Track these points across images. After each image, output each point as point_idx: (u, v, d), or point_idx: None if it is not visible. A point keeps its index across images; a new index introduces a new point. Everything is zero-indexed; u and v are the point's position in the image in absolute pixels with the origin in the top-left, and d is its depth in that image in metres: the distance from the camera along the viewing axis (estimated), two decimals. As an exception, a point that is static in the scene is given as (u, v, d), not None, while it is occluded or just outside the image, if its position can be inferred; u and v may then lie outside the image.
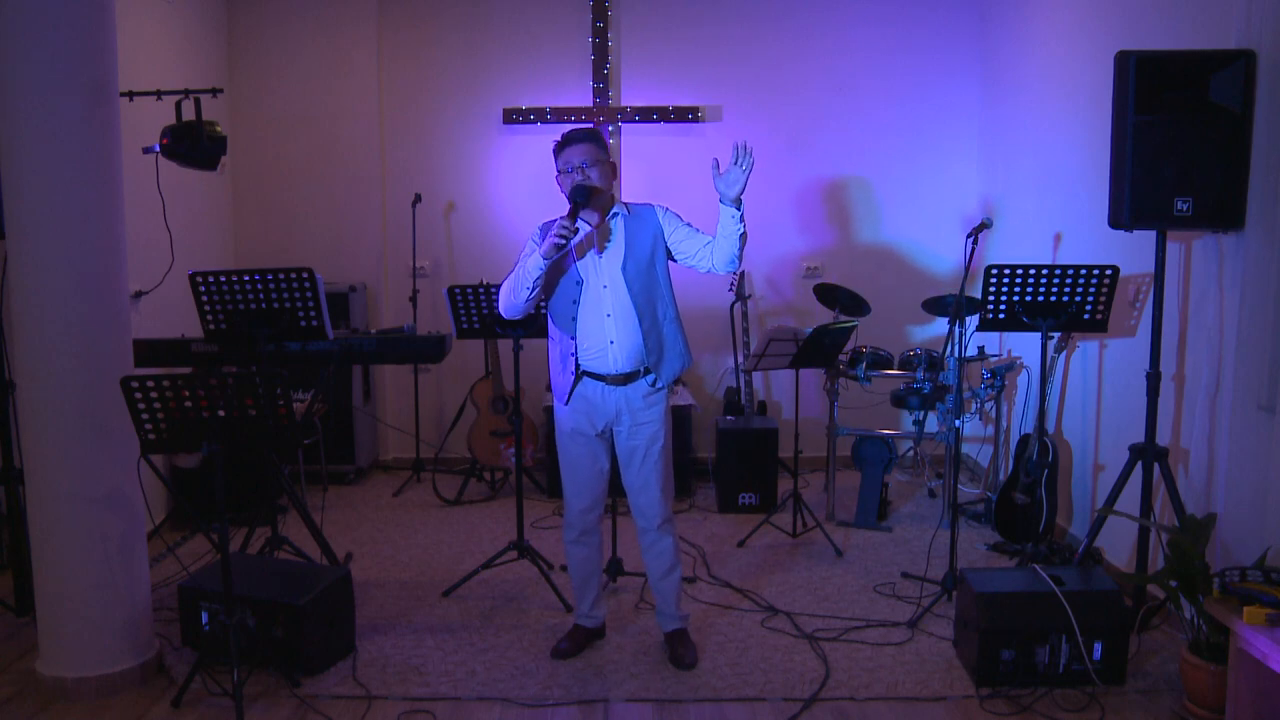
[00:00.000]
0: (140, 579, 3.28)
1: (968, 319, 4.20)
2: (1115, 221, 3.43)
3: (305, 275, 3.66)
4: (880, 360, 4.95)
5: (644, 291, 3.19)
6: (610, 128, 5.80)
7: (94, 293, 3.09)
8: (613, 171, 3.26)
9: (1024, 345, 5.02)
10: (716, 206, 3.09)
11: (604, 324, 3.19)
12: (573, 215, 3.07)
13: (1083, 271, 3.77)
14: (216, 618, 3.07)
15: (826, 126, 5.90)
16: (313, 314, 3.73)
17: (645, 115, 5.80)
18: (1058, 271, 3.77)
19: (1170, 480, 3.48)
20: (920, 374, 4.78)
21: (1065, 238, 4.68)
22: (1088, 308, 3.82)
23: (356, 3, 5.78)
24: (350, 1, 5.78)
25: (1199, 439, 3.51)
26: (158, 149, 3.90)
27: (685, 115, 5.81)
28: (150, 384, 2.79)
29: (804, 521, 4.73)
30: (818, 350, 4.42)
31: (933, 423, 4.89)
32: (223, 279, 3.64)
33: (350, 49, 5.82)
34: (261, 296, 3.67)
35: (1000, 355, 5.17)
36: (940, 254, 5.93)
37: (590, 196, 3.12)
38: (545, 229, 3.21)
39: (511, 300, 3.24)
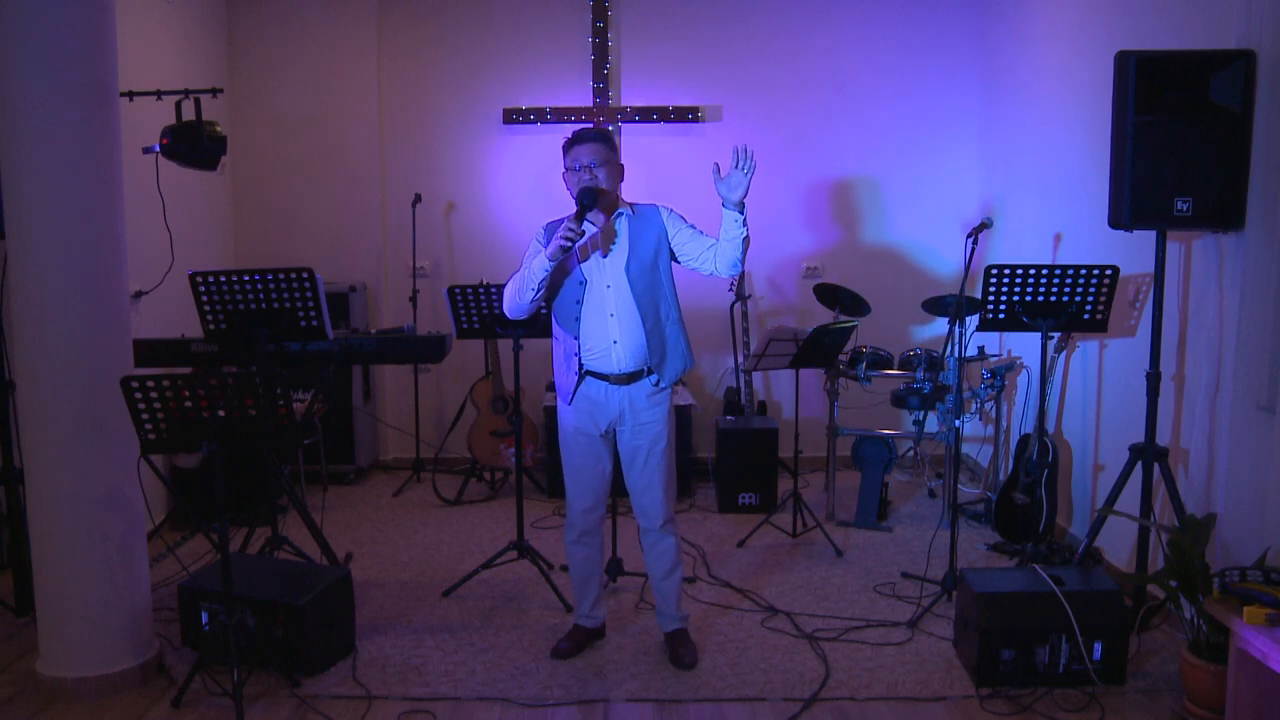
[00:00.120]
0: (140, 579, 3.28)
1: (968, 319, 4.20)
2: (1115, 221, 3.43)
3: (305, 275, 3.66)
4: (880, 360, 4.95)
5: (647, 292, 3.19)
6: (610, 128, 5.80)
7: (94, 293, 3.09)
8: (620, 173, 3.26)
9: (1024, 345, 5.02)
10: (717, 207, 3.09)
11: (607, 324, 3.19)
12: (579, 217, 3.06)
13: (1083, 271, 3.77)
14: (216, 618, 3.07)
15: (827, 126, 5.90)
16: (313, 314, 3.73)
17: (645, 115, 5.80)
18: (1058, 271, 3.77)
19: (1170, 480, 3.48)
20: (920, 374, 4.78)
21: (1065, 238, 4.68)
22: (1088, 308, 3.82)
23: (356, 3, 5.78)
24: (350, 1, 5.78)
25: (1199, 439, 3.51)
26: (158, 149, 3.90)
27: (685, 115, 5.81)
28: (150, 384, 2.79)
29: (804, 521, 4.73)
30: (818, 350, 4.42)
31: (933, 423, 4.89)
32: (223, 279, 3.64)
33: (350, 49, 5.82)
34: (261, 296, 3.67)
35: (1000, 355, 5.17)
36: (940, 254, 5.93)
37: (597, 199, 3.12)
38: (550, 229, 3.21)
39: (516, 301, 3.24)
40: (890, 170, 5.93)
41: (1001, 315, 3.86)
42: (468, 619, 3.77)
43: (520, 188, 5.89)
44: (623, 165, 3.26)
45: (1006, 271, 3.78)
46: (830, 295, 5.12)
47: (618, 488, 3.45)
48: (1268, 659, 2.66)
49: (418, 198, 5.75)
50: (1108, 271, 3.76)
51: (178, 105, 3.90)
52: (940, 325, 5.79)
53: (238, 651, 2.97)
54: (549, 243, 3.11)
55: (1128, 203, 3.34)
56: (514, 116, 5.82)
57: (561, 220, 3.09)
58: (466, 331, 4.16)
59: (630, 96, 5.86)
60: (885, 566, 4.31)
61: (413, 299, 5.77)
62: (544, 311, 3.48)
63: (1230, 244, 3.35)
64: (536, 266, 3.13)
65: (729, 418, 5.31)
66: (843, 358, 4.90)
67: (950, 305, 4.61)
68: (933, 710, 3.09)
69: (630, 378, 3.22)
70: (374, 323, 5.91)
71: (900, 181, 5.94)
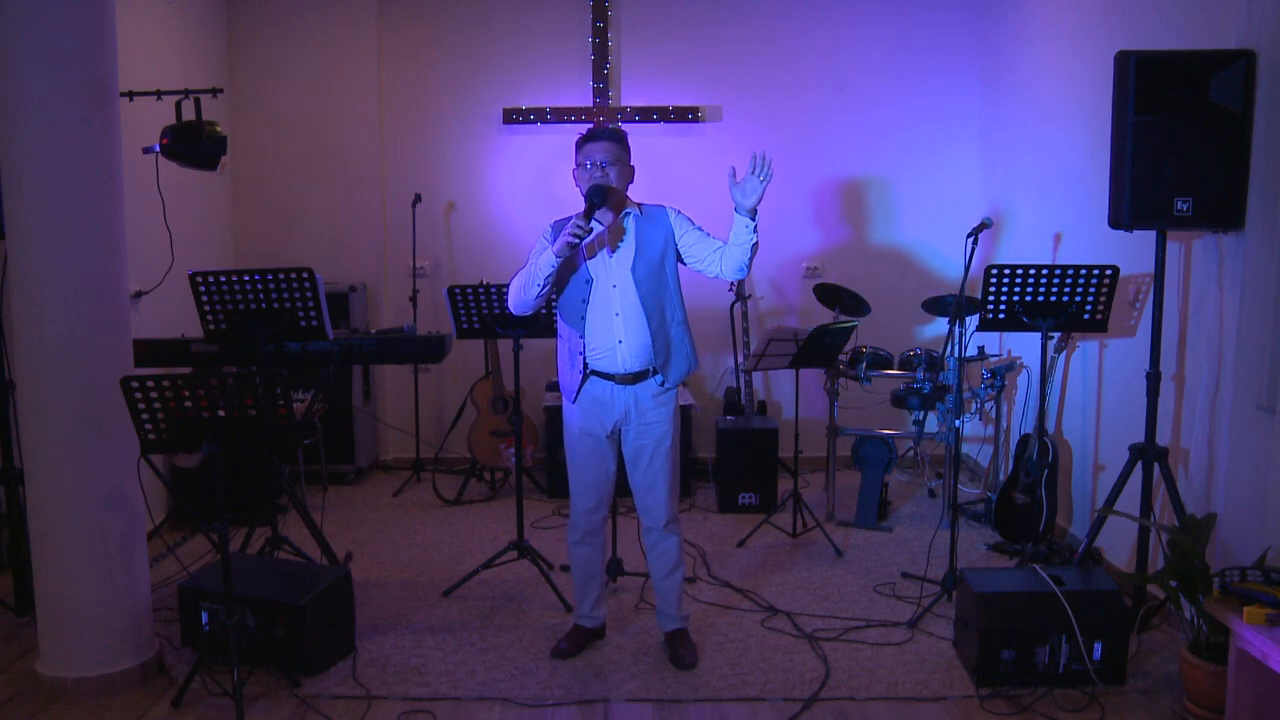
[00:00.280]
0: (140, 579, 3.28)
1: (968, 319, 4.20)
2: (1115, 221, 3.43)
3: (305, 275, 3.66)
4: (880, 360, 4.95)
5: (653, 292, 3.20)
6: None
7: (94, 293, 3.09)
8: (630, 174, 3.26)
9: (1024, 345, 5.02)
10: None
11: (612, 323, 3.19)
12: (588, 215, 3.07)
13: (1083, 271, 3.77)
14: (216, 618, 3.07)
15: (827, 126, 5.90)
16: (313, 314, 3.73)
17: (645, 115, 5.80)
18: (1058, 271, 3.77)
19: (1170, 480, 3.48)
20: (920, 374, 4.78)
21: (1065, 238, 4.68)
22: (1088, 308, 3.82)
23: (356, 3, 5.78)
24: (350, 1, 5.78)
25: (1199, 439, 3.51)
26: (158, 149, 3.90)
27: (685, 115, 5.81)
28: (150, 384, 2.79)
29: (804, 521, 4.73)
30: (818, 350, 4.42)
31: (933, 423, 4.89)
32: (223, 279, 3.64)
33: (350, 49, 5.82)
34: (261, 296, 3.67)
35: (1000, 355, 5.17)
36: (940, 253, 5.93)
37: (607, 197, 3.12)
38: (557, 226, 3.22)
39: (522, 297, 3.25)
40: (891, 170, 5.92)
41: (1001, 315, 3.86)
42: (468, 619, 3.77)
43: (520, 188, 5.89)
44: (633, 167, 3.27)
45: (1006, 271, 3.78)
46: (830, 295, 5.13)
47: (619, 487, 3.45)
48: (1268, 659, 2.66)
49: (418, 198, 5.75)
50: (1108, 271, 3.76)
51: (178, 105, 3.90)
52: (940, 325, 5.79)
53: (238, 651, 2.97)
54: (557, 239, 3.11)
55: (1128, 203, 3.35)
56: (514, 116, 5.82)
57: (569, 218, 3.09)
58: (466, 331, 4.15)
59: (630, 96, 5.86)
60: (885, 566, 4.31)
61: (413, 299, 5.77)
62: (544, 311, 3.48)
63: (1230, 244, 3.35)
64: (543, 262, 3.14)
65: (729, 418, 5.31)
66: (843, 358, 4.90)
67: (950, 305, 4.61)
68: (933, 710, 3.09)
69: (635, 378, 3.23)
70: (374, 323, 5.91)
71: (900, 181, 5.93)
